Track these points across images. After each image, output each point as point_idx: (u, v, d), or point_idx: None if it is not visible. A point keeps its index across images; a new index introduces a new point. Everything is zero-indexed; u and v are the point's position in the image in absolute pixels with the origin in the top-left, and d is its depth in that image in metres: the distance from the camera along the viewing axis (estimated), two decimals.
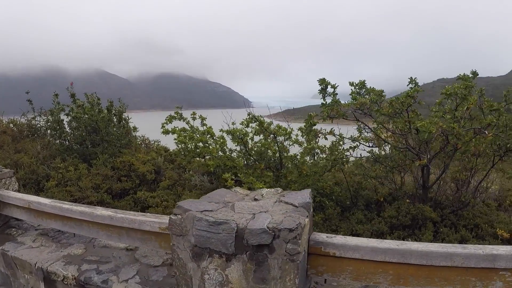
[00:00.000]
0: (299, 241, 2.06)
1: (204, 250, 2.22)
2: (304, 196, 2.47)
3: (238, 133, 6.56)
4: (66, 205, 3.38)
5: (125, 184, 6.70)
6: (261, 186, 5.38)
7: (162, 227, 2.87)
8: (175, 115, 6.97)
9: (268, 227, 2.08)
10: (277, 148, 6.30)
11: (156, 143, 9.57)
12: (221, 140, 6.89)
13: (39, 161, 6.95)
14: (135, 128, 8.86)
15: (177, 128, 6.94)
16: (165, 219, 2.94)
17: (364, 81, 5.83)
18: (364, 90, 5.72)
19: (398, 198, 6.09)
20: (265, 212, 2.26)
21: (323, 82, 5.56)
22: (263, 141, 6.64)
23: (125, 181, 6.81)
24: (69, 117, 7.68)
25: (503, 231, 4.97)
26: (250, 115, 6.30)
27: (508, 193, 6.74)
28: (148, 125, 10.99)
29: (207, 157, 6.70)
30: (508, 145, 4.97)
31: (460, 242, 4.74)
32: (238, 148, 7.06)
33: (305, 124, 5.47)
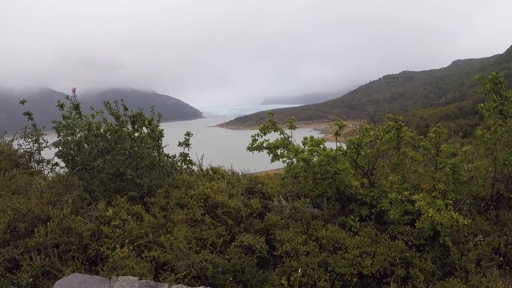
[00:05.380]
0: None
1: None
2: None
3: (357, 142, 5.02)
4: None
5: (218, 228, 4.56)
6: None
7: None
8: (269, 124, 5.06)
9: None
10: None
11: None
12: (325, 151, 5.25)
13: (69, 209, 4.35)
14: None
15: (270, 142, 5.07)
16: None
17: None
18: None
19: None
20: None
21: (496, 77, 5.01)
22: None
23: (211, 224, 4.66)
24: (86, 138, 5.13)
25: None
26: (391, 116, 4.79)
27: None
28: None
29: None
30: None
31: None
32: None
33: None
